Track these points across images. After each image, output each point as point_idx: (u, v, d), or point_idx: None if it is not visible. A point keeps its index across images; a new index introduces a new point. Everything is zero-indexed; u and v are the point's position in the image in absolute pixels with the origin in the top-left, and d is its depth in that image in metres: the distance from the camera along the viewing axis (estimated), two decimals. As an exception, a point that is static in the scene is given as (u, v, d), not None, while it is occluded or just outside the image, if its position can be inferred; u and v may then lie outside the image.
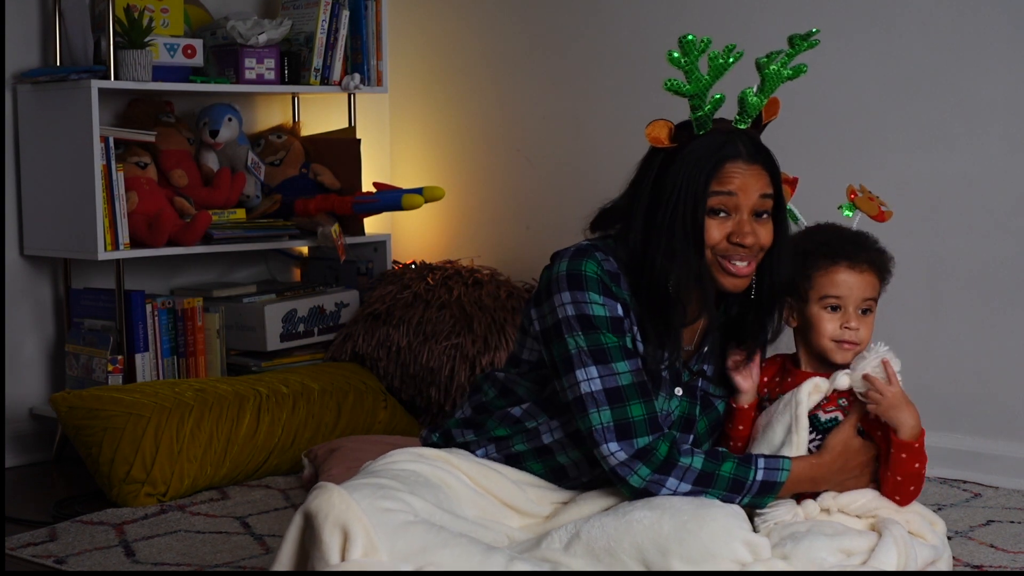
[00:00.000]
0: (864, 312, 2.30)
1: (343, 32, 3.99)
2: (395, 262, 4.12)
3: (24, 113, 3.63)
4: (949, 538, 2.80)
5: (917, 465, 2.22)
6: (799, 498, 2.25)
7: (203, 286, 3.97)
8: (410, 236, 4.42)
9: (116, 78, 3.53)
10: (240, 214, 3.85)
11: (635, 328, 2.25)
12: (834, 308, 2.29)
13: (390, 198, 3.87)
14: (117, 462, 3.16)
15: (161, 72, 3.65)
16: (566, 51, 3.98)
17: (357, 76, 4.01)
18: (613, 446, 2.18)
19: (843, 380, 2.27)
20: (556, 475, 2.34)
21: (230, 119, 3.89)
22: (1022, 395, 3.28)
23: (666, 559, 2.09)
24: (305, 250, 4.24)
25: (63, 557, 2.78)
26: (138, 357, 3.61)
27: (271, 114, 4.23)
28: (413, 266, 4.01)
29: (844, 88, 3.50)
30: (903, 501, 2.25)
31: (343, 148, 4.04)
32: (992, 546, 2.76)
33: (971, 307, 3.34)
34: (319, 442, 3.40)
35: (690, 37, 2.27)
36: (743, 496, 2.19)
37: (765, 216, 2.26)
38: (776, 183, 2.29)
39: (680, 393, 2.31)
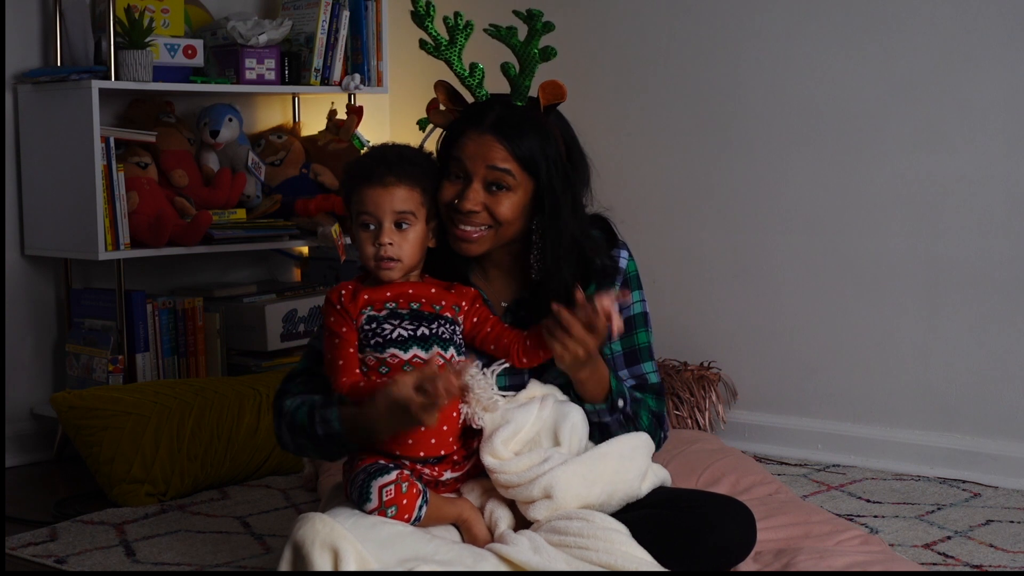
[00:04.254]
0: (401, 226, 2.27)
1: (343, 32, 4.00)
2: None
3: (25, 113, 3.64)
4: (949, 538, 2.81)
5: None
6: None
7: (203, 286, 3.98)
8: (410, 236, 4.41)
9: (117, 78, 3.54)
10: (240, 214, 3.85)
11: None
12: (368, 227, 2.27)
13: (390, 198, 3.87)
14: (117, 462, 3.16)
15: (161, 72, 3.66)
16: (565, 50, 3.98)
17: (357, 76, 4.01)
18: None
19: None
20: None
21: (230, 119, 3.89)
22: (1022, 395, 3.28)
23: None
24: (305, 250, 4.25)
25: (64, 557, 2.78)
26: (138, 357, 3.62)
27: (271, 114, 4.24)
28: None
29: (844, 88, 3.50)
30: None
31: (343, 148, 4.04)
32: (992, 546, 2.76)
33: (971, 307, 3.34)
34: (319, 442, 3.40)
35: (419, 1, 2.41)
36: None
37: (499, 189, 2.31)
38: (527, 164, 2.32)
39: None
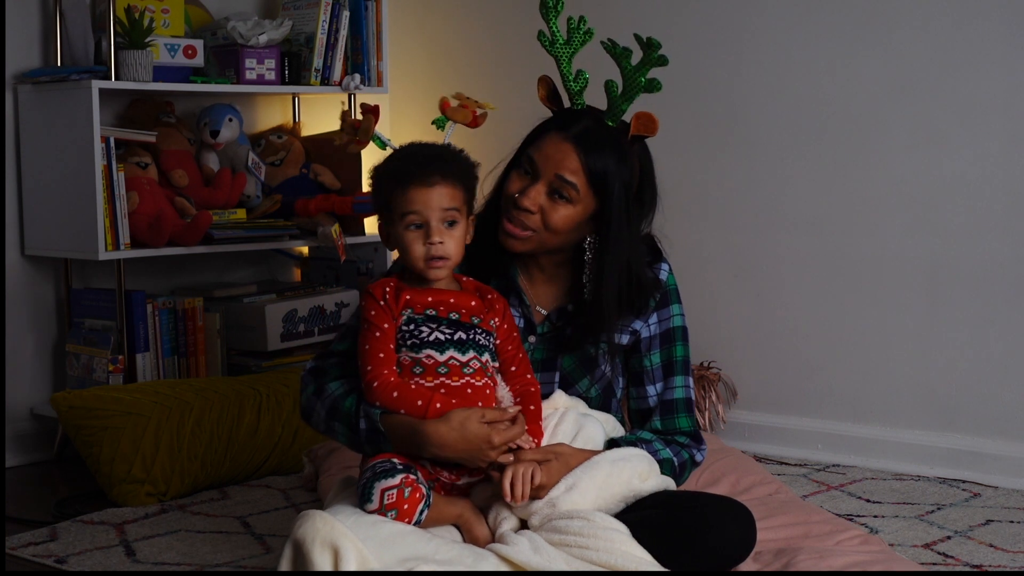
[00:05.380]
0: (450, 224, 2.28)
1: (343, 32, 4.00)
2: (396, 262, 4.12)
3: (25, 113, 3.64)
4: (948, 538, 2.81)
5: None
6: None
7: (203, 286, 3.98)
8: (410, 236, 4.42)
9: (117, 78, 3.54)
10: (240, 214, 3.85)
11: None
12: (417, 226, 2.27)
13: (390, 198, 3.87)
14: (118, 462, 3.16)
15: (162, 72, 3.66)
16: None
17: (357, 76, 4.01)
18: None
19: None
20: None
21: (231, 119, 3.89)
22: (1022, 395, 3.28)
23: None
24: (305, 250, 4.25)
25: (64, 557, 2.78)
26: (139, 357, 3.62)
27: (271, 114, 4.24)
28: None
29: (844, 88, 3.50)
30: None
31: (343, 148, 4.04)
32: (991, 546, 2.76)
33: (971, 307, 3.34)
34: (319, 442, 3.40)
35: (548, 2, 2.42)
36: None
37: (560, 199, 2.33)
38: (596, 183, 2.33)
39: (533, 340, 2.45)
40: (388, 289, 2.28)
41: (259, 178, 3.94)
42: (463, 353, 2.25)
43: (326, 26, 3.95)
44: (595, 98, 2.43)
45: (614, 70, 2.40)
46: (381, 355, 2.24)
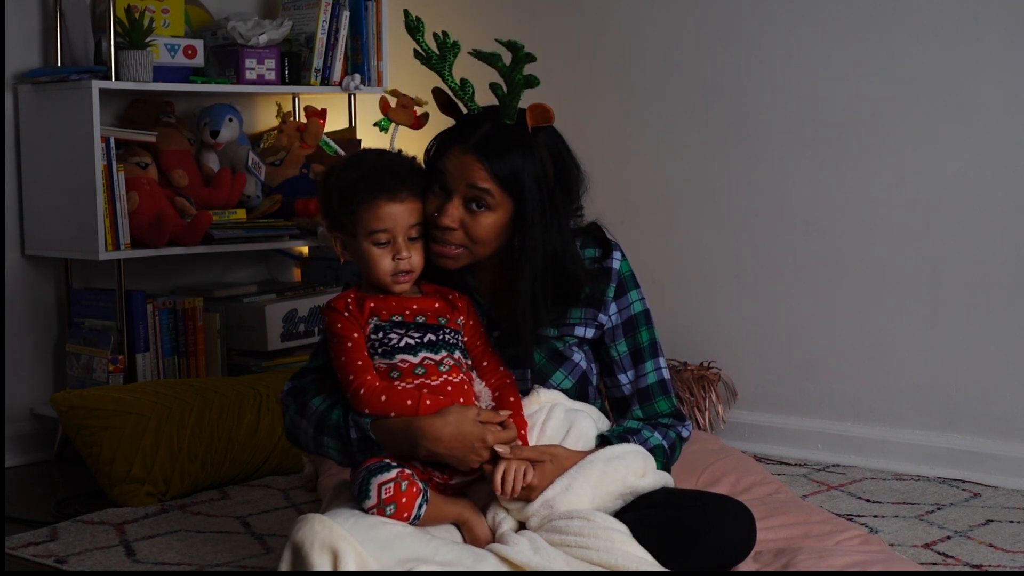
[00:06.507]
0: (413, 239, 2.29)
1: (343, 32, 4.00)
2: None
3: (25, 113, 3.64)
4: (948, 538, 2.81)
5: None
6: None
7: (203, 286, 3.98)
8: (410, 236, 4.41)
9: (117, 78, 3.54)
10: (240, 214, 3.85)
11: None
12: (384, 242, 2.27)
13: (390, 198, 3.87)
14: (118, 461, 3.16)
15: (162, 72, 3.66)
16: (565, 52, 3.98)
17: (357, 76, 4.01)
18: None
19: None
20: None
21: (231, 119, 3.89)
22: (1022, 395, 3.28)
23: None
24: (305, 250, 4.25)
25: (64, 557, 2.78)
26: (139, 357, 3.62)
27: (272, 114, 4.23)
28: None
29: (844, 88, 3.50)
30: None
31: (343, 148, 4.04)
32: (991, 546, 2.76)
33: (971, 307, 3.34)
34: (319, 442, 3.40)
35: (409, 15, 2.42)
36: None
37: (479, 208, 2.30)
38: (508, 185, 2.30)
39: (496, 336, 2.41)
40: (350, 300, 2.28)
41: (259, 178, 3.94)
42: (436, 353, 2.26)
43: (326, 26, 3.96)
44: (491, 99, 2.43)
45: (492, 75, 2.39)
46: (359, 363, 2.25)
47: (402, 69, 4.33)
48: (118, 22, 3.53)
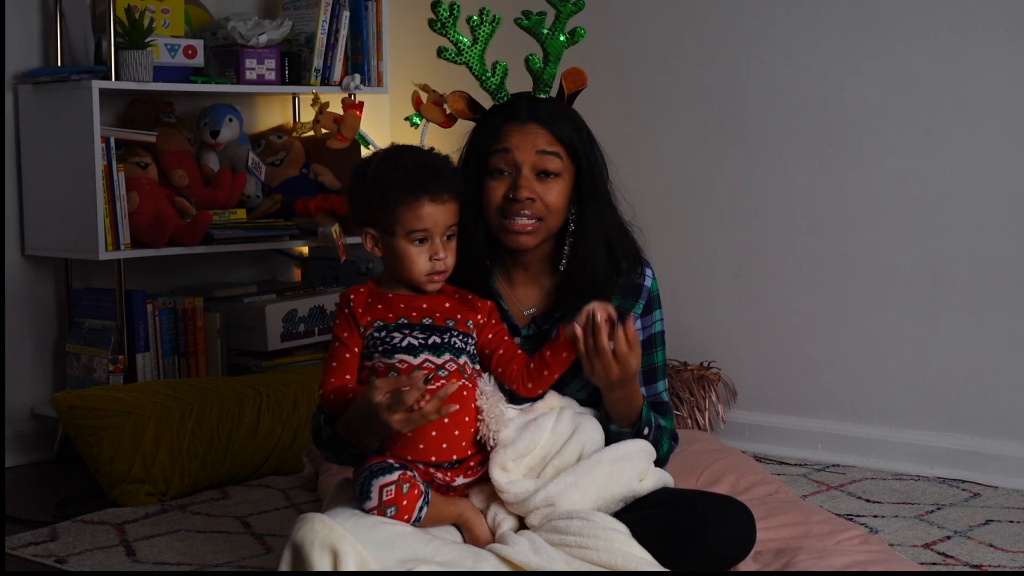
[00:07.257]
0: (450, 238, 2.29)
1: (343, 32, 4.00)
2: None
3: (25, 113, 3.64)
4: (948, 538, 2.81)
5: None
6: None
7: (203, 286, 3.98)
8: (410, 236, 4.42)
9: (117, 78, 3.54)
10: (241, 214, 3.85)
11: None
12: (422, 241, 2.27)
13: (390, 198, 3.87)
14: (118, 461, 3.16)
15: (162, 72, 3.66)
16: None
17: (357, 76, 4.01)
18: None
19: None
20: None
21: (231, 119, 3.89)
22: (1022, 395, 3.28)
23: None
24: (305, 250, 4.25)
25: (64, 557, 2.78)
26: (139, 357, 3.62)
27: (271, 114, 4.24)
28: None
29: (844, 88, 3.50)
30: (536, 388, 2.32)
31: (343, 148, 4.04)
32: (991, 546, 2.76)
33: (971, 307, 3.34)
34: (319, 442, 3.40)
35: (441, 5, 2.38)
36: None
37: (549, 176, 2.33)
38: (570, 149, 2.34)
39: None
40: (355, 297, 2.29)
41: (259, 178, 3.94)
42: (438, 356, 2.25)
43: (326, 26, 3.96)
44: (516, 85, 2.43)
45: (518, 53, 2.38)
46: (334, 364, 2.27)
47: (402, 69, 4.33)
48: (118, 22, 3.53)
